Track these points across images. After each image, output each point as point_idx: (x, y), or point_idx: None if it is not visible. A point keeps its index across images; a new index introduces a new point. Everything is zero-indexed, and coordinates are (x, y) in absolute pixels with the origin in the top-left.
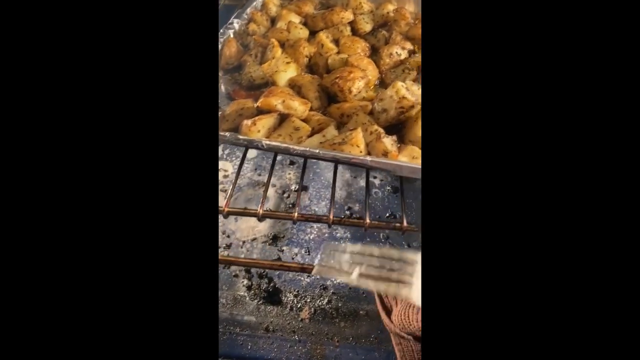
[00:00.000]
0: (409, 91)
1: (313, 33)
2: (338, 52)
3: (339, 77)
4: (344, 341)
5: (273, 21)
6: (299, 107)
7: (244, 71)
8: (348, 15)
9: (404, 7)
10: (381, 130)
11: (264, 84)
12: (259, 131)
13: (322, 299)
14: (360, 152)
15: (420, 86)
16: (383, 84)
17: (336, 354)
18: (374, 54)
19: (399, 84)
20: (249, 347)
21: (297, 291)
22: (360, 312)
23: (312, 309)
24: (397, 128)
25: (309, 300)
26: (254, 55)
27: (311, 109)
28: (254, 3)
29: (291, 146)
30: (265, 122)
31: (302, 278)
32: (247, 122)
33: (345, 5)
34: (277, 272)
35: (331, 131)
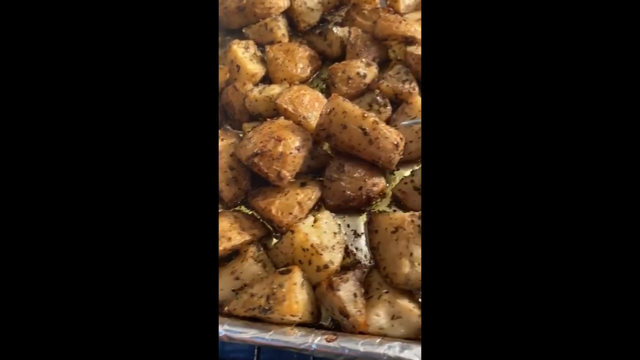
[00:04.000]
0: None
1: (229, 32)
2: (265, 77)
3: (258, 155)
4: None
5: None
6: None
7: None
8: (280, 2)
9: None
10: (333, 265)
11: None
12: None
13: None
14: (299, 317)
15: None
16: None
17: None
18: (325, 66)
19: None
20: None
21: None
22: None
23: None
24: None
25: None
26: None
27: (222, 202)
28: None
29: None
30: None
31: None
32: None
33: None
34: None
35: (249, 268)
